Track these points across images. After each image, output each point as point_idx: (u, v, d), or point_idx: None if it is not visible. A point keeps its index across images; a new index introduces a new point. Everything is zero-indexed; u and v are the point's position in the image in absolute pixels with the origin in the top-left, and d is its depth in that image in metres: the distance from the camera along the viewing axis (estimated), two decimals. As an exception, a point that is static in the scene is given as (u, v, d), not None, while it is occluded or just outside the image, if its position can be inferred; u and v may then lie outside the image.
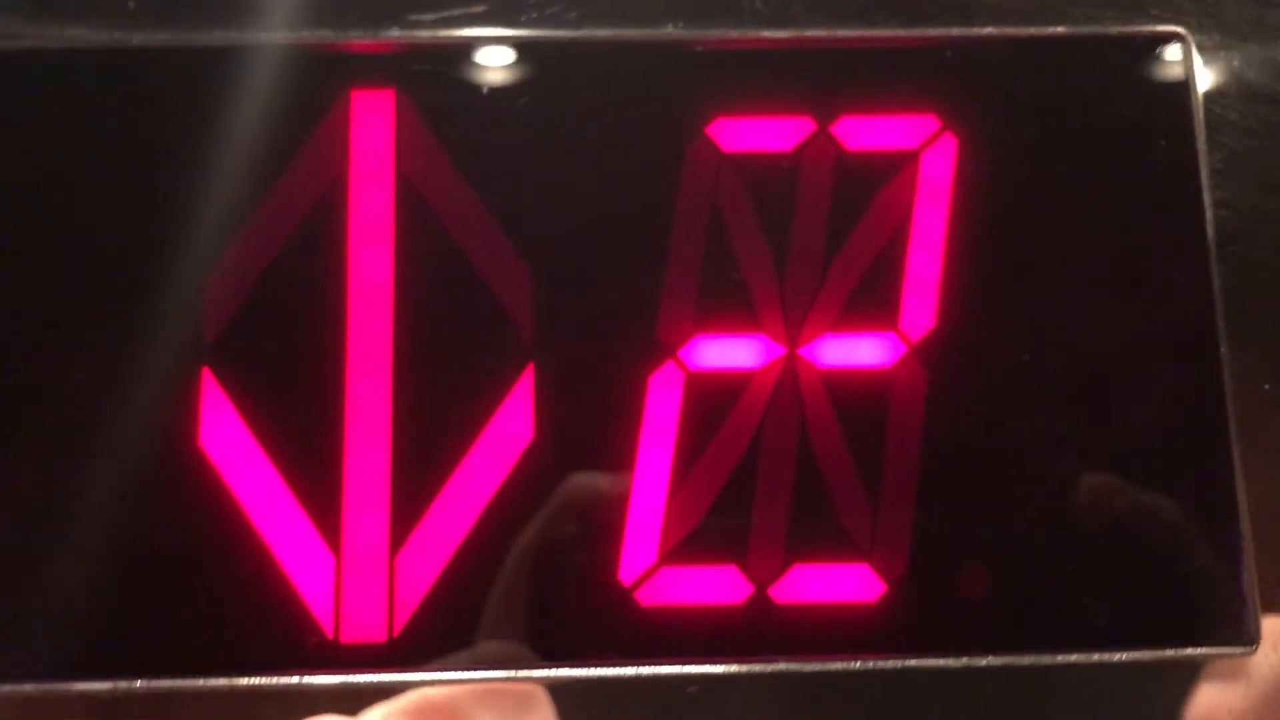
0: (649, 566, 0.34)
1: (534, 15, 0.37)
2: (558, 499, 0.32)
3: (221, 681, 0.33)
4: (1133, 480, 0.35)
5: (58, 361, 0.34)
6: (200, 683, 0.33)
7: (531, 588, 0.34)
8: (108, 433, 0.34)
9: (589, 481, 0.31)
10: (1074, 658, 0.34)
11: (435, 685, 0.33)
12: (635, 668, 0.34)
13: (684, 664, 0.34)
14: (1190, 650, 0.34)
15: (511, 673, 0.34)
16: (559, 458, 0.35)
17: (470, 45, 0.37)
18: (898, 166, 0.37)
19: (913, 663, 0.34)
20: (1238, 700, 0.30)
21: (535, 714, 0.30)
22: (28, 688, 0.33)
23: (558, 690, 0.34)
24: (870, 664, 0.34)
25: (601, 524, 0.35)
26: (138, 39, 0.36)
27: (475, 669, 0.33)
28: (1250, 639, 0.33)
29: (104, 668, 0.33)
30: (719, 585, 0.34)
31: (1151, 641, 0.34)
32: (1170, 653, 0.34)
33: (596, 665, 0.34)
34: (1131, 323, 0.36)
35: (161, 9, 0.36)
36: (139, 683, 0.33)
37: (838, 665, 0.34)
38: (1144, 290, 0.36)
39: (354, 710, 0.33)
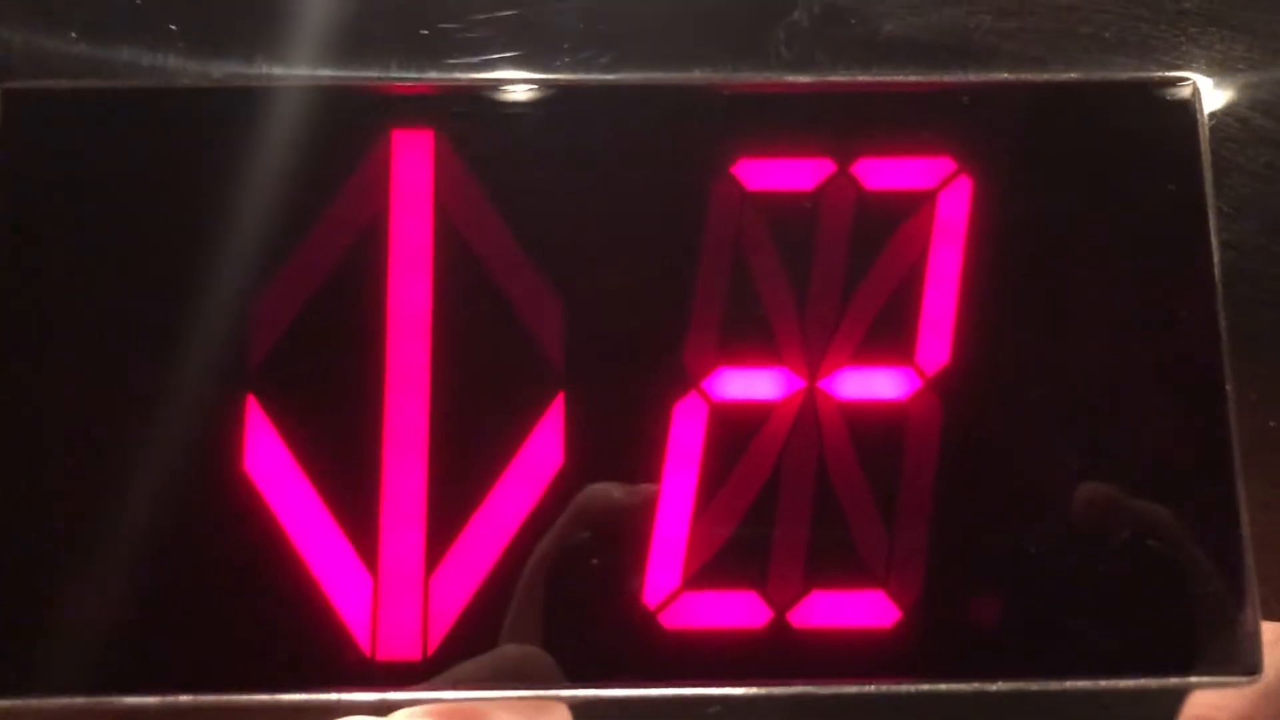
0: (672, 590, 0.36)
1: (568, 60, 0.38)
2: (574, 507, 0.33)
3: (263, 697, 0.35)
4: (1140, 512, 0.36)
5: (109, 388, 0.36)
6: (243, 698, 0.35)
7: (554, 606, 0.36)
8: (156, 456, 0.36)
9: (605, 491, 0.32)
10: (1081, 684, 0.35)
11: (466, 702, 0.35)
12: (658, 689, 0.35)
13: (705, 686, 0.35)
14: (1193, 679, 0.35)
15: (537, 691, 0.35)
16: (587, 483, 0.36)
17: (506, 88, 0.38)
18: (915, 206, 0.38)
19: (925, 687, 0.35)
20: (1234, 698, 0.31)
21: (553, 716, 0.31)
22: (79, 700, 0.34)
23: (580, 709, 0.35)
24: (885, 687, 0.35)
25: (622, 541, 0.36)
26: (187, 79, 0.38)
27: (503, 686, 0.34)
28: (1253, 668, 0.34)
29: (151, 682, 0.34)
30: (739, 610, 0.36)
31: (1155, 669, 0.35)
32: (1174, 680, 0.35)
33: (620, 686, 0.35)
34: (1140, 359, 0.37)
35: (210, 50, 0.38)
36: (185, 697, 0.34)
37: (853, 688, 0.35)
38: (1152, 327, 0.37)
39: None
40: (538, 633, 0.34)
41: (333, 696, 0.35)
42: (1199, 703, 0.35)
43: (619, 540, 0.36)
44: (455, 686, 0.35)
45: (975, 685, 0.35)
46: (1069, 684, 0.35)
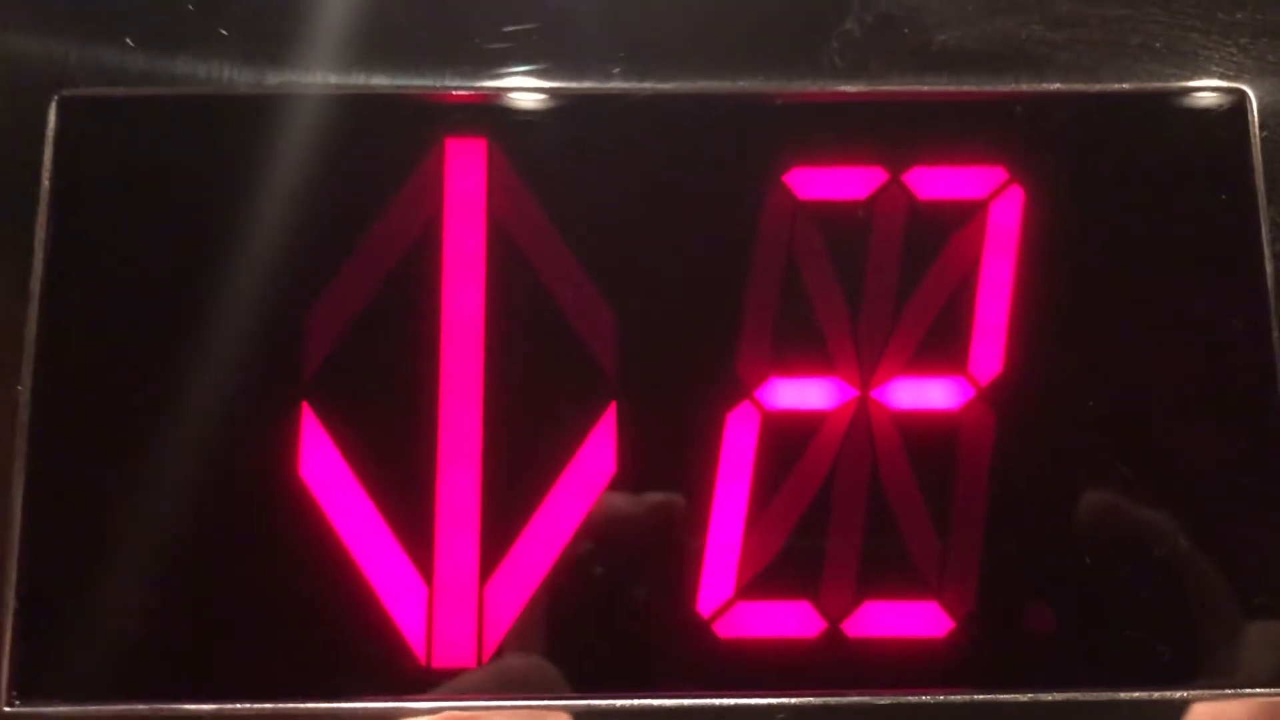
0: (726, 600, 0.36)
1: (621, 69, 0.38)
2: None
3: (321, 705, 0.35)
4: (1193, 523, 0.36)
5: (165, 395, 0.36)
6: (298, 706, 0.35)
7: (608, 616, 0.36)
8: (212, 463, 0.36)
9: (609, 502, 0.32)
10: (1135, 695, 0.35)
11: (530, 711, 0.35)
12: (713, 698, 0.35)
13: (759, 696, 0.35)
14: (1245, 690, 0.35)
15: (590, 702, 0.35)
16: (639, 493, 0.37)
17: (559, 97, 0.38)
18: (967, 216, 0.38)
19: (979, 696, 0.35)
20: (1237, 709, 0.31)
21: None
22: (140, 707, 0.34)
23: (636, 717, 0.35)
24: (939, 698, 0.35)
25: (670, 551, 0.36)
26: (243, 87, 0.38)
27: (572, 698, 0.35)
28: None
29: (208, 690, 0.35)
30: (793, 620, 0.36)
31: (1208, 680, 0.35)
32: (1227, 692, 0.35)
33: (675, 695, 0.35)
34: (1193, 369, 0.37)
35: (269, 57, 0.38)
36: (240, 705, 0.35)
37: (908, 698, 0.35)
38: (1205, 338, 0.37)
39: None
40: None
41: (389, 705, 0.35)
42: (1200, 713, 0.35)
43: (649, 551, 0.36)
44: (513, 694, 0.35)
45: (1030, 695, 0.35)
46: (1123, 695, 0.35)
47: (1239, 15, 0.39)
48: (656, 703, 0.35)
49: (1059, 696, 0.35)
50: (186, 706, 0.34)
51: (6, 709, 0.34)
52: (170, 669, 0.35)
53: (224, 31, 0.39)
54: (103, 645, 0.35)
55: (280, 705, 0.35)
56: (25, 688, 0.34)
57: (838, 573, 0.36)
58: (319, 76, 0.38)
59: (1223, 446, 0.37)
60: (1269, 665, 0.35)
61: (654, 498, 0.33)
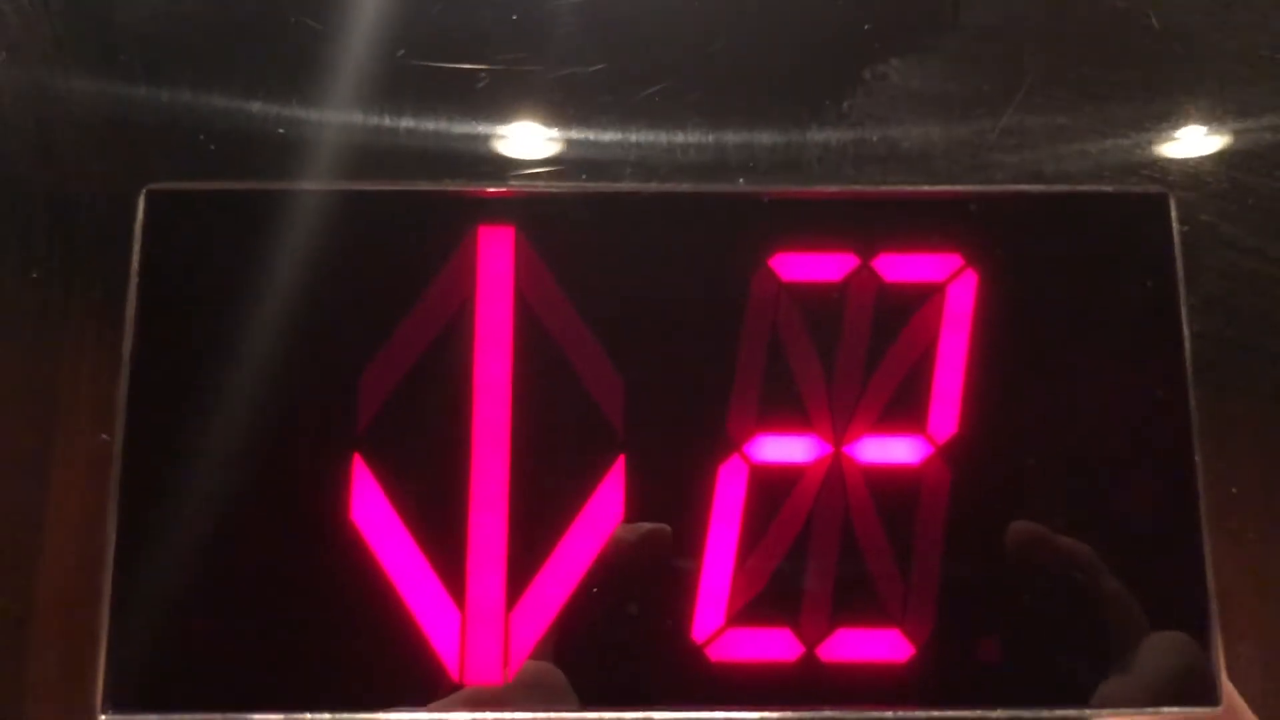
0: (717, 628, 0.42)
1: (632, 170, 0.44)
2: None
3: (367, 715, 0.40)
4: (1121, 565, 0.42)
5: (240, 449, 0.42)
6: (351, 715, 0.40)
7: (614, 641, 0.41)
8: (277, 507, 0.42)
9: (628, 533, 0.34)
10: (1069, 713, 0.41)
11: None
12: (705, 713, 0.41)
13: (746, 711, 0.41)
14: (1166, 709, 0.41)
15: (600, 714, 0.41)
16: (644, 534, 0.42)
17: (579, 193, 0.44)
18: (927, 296, 0.44)
19: (935, 714, 0.41)
20: None
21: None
22: (213, 716, 0.40)
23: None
24: (901, 714, 0.41)
25: (665, 584, 0.42)
26: (307, 183, 0.44)
27: (584, 712, 0.40)
28: (1216, 700, 0.40)
29: (271, 702, 0.40)
30: (775, 645, 0.42)
31: (1133, 701, 0.41)
32: (1149, 710, 0.41)
33: (673, 710, 0.41)
34: (1121, 432, 0.43)
35: (327, 157, 0.44)
36: (300, 715, 0.40)
37: (873, 714, 0.41)
38: (1132, 405, 0.43)
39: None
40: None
41: (426, 717, 0.40)
42: None
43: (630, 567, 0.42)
44: (536, 708, 0.40)
45: (978, 713, 0.41)
46: (1058, 712, 0.41)
47: (1163, 126, 0.46)
48: (657, 715, 0.41)
49: (1003, 714, 0.41)
50: (255, 716, 0.40)
51: (101, 717, 0.39)
52: (240, 683, 0.40)
53: (281, 131, 0.45)
54: (183, 662, 0.40)
55: (335, 714, 0.40)
56: (116, 699, 0.40)
57: (814, 604, 0.42)
58: (372, 179, 0.44)
59: (1146, 499, 0.43)
60: (1182, 689, 0.41)
61: (645, 526, 0.36)
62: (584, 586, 0.42)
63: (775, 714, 0.41)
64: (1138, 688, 0.40)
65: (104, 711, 0.40)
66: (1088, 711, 0.41)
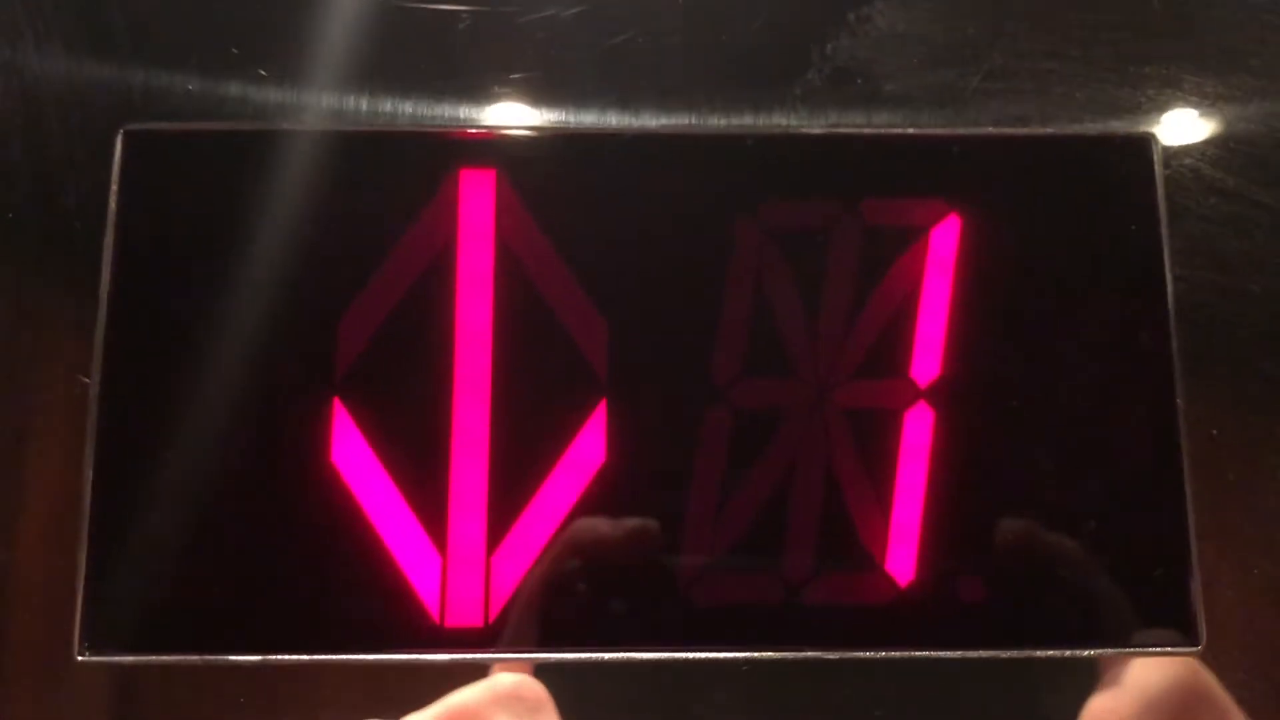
0: (701, 570, 0.42)
1: (614, 109, 0.44)
2: (565, 539, 0.34)
3: (349, 656, 0.40)
4: (1104, 507, 0.42)
5: (220, 394, 0.41)
6: (331, 658, 0.40)
7: (604, 590, 0.41)
8: (257, 450, 0.41)
9: (593, 525, 0.33)
10: (1051, 653, 0.41)
11: (530, 664, 0.40)
12: (689, 653, 0.41)
13: (729, 652, 0.41)
14: (1149, 649, 0.41)
15: (587, 655, 0.41)
16: (626, 478, 0.42)
17: (560, 134, 0.44)
18: (911, 241, 0.44)
19: (918, 654, 0.41)
20: (1125, 706, 0.33)
21: (544, 716, 0.32)
22: (195, 658, 0.40)
23: (623, 670, 0.41)
24: (884, 654, 0.41)
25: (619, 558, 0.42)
26: (286, 123, 0.43)
27: (565, 653, 0.40)
28: (1197, 640, 0.40)
29: (253, 644, 0.40)
30: (760, 588, 0.42)
31: (1116, 641, 0.41)
32: (1132, 649, 0.41)
33: (657, 651, 0.41)
34: (1104, 374, 0.43)
35: (308, 96, 0.44)
36: (280, 657, 0.40)
37: (857, 655, 0.41)
38: (1115, 348, 0.43)
39: (453, 685, 0.40)
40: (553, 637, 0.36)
41: (409, 657, 0.40)
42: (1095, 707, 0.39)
43: (596, 556, 0.41)
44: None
45: (960, 653, 0.41)
46: (1040, 653, 0.41)
47: (1147, 69, 0.45)
48: (640, 656, 0.41)
49: (987, 654, 0.41)
50: (234, 658, 0.40)
51: (79, 658, 0.39)
52: (220, 625, 0.40)
53: (263, 72, 0.44)
54: (161, 604, 0.40)
55: (313, 656, 0.40)
56: (94, 641, 0.40)
57: (798, 547, 0.42)
58: (353, 114, 0.44)
59: (1128, 441, 0.43)
60: (1164, 628, 0.41)
61: (631, 522, 0.34)
62: (564, 531, 0.41)
63: (759, 654, 0.41)
64: (1120, 628, 0.41)
65: (81, 653, 0.39)
66: (1068, 652, 0.41)
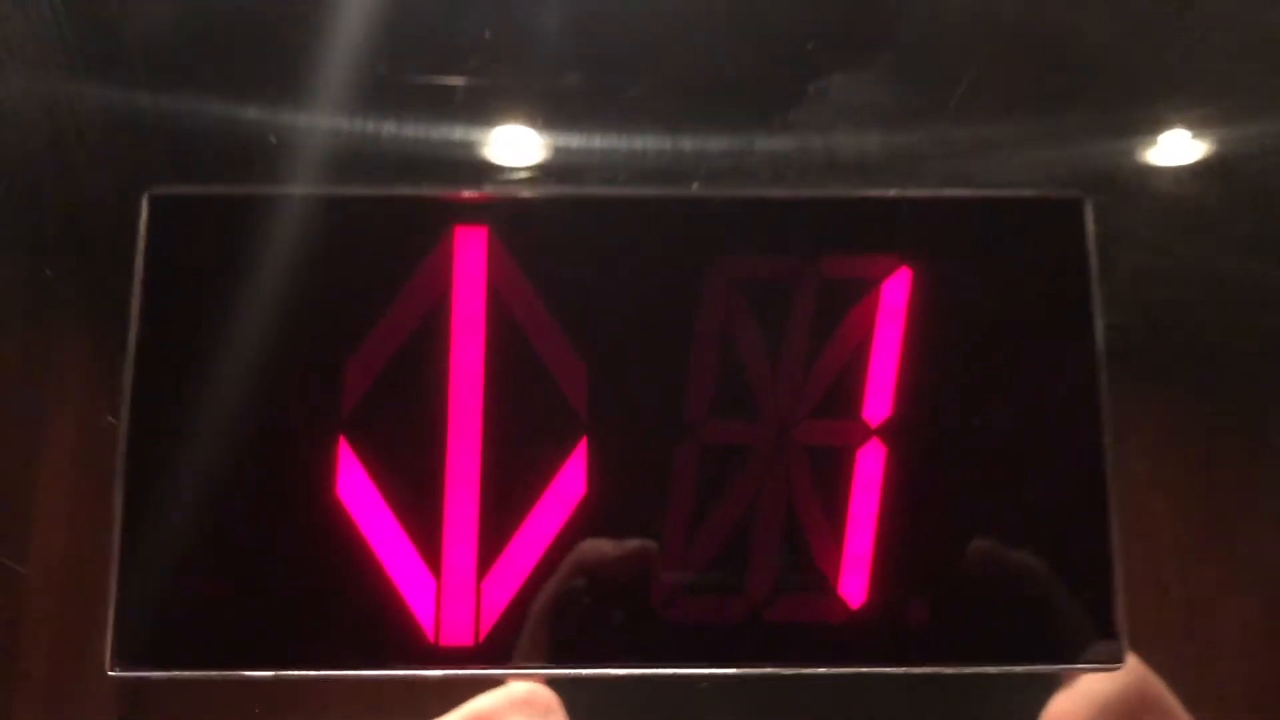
0: (673, 592, 0.46)
1: (595, 175, 0.48)
2: (571, 557, 0.36)
3: (350, 673, 0.44)
4: (1037, 534, 0.46)
5: (236, 431, 0.46)
6: (335, 674, 0.44)
7: (581, 610, 0.45)
8: (270, 484, 0.46)
9: (597, 545, 0.35)
10: (989, 669, 0.45)
11: (517, 679, 0.44)
12: (661, 669, 0.45)
13: (698, 667, 0.45)
14: (1076, 666, 0.45)
15: (567, 670, 0.45)
16: (605, 509, 0.46)
17: (547, 196, 0.48)
18: (865, 292, 0.48)
19: (868, 670, 0.45)
20: (1080, 710, 0.36)
21: (555, 718, 0.35)
22: (210, 674, 0.44)
23: (599, 685, 0.45)
24: (836, 669, 0.45)
25: (631, 560, 0.46)
26: (299, 189, 0.48)
27: (548, 668, 0.44)
28: (1118, 659, 0.45)
29: (264, 661, 0.44)
30: (726, 609, 0.46)
31: (1046, 659, 0.45)
32: (1061, 667, 0.45)
33: (630, 667, 0.45)
34: (1038, 413, 0.47)
35: (316, 164, 0.48)
36: (290, 672, 0.44)
37: (813, 671, 0.45)
38: (1048, 390, 0.47)
39: (450, 701, 0.45)
40: (549, 653, 0.38)
41: (406, 673, 0.44)
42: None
43: (602, 574, 0.46)
44: (503, 665, 0.44)
45: (906, 669, 0.45)
46: (979, 670, 0.45)
47: (1081, 136, 0.50)
48: (616, 672, 0.45)
49: (931, 670, 0.45)
50: (249, 673, 0.44)
51: (110, 673, 0.43)
52: (237, 644, 0.44)
53: (273, 140, 0.49)
54: (185, 625, 0.44)
55: (321, 672, 0.44)
56: (124, 657, 0.44)
57: (761, 571, 0.46)
58: (358, 184, 0.48)
59: (1060, 476, 0.47)
60: (1089, 648, 0.45)
61: (631, 543, 0.36)
62: (549, 557, 0.46)
63: (723, 670, 0.45)
64: (1051, 645, 0.45)
65: (113, 668, 0.43)
66: (1001, 669, 0.45)
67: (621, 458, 0.47)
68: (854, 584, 0.46)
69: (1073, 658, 0.45)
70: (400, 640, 0.45)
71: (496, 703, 0.30)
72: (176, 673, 0.44)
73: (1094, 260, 0.48)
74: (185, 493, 0.45)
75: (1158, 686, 0.27)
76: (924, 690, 0.46)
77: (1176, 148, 0.50)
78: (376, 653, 0.45)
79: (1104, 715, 0.26)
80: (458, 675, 0.45)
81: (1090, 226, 0.49)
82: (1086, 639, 0.45)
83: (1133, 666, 0.25)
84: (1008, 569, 0.46)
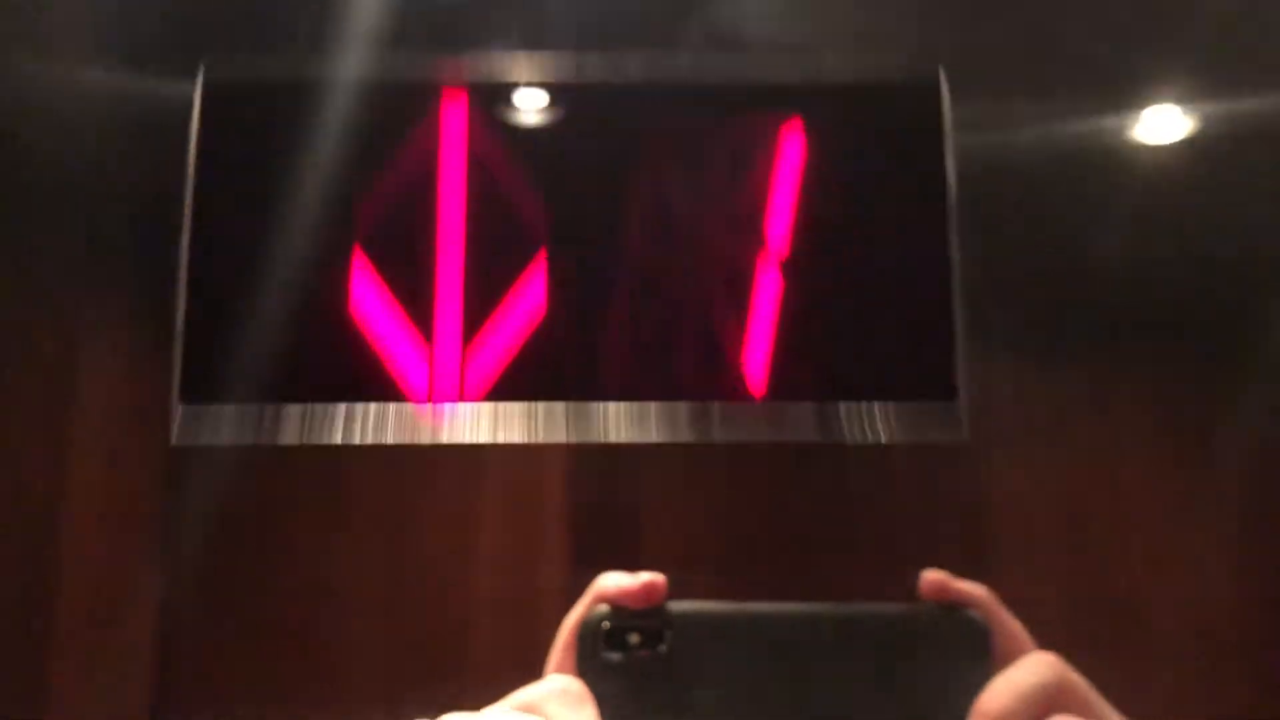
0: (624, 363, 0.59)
1: (562, 57, 0.62)
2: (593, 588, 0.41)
3: (362, 404, 0.58)
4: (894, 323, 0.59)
5: (280, 246, 0.60)
6: (355, 405, 0.58)
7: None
8: (301, 287, 0.59)
9: (617, 577, 0.41)
10: (850, 404, 0.58)
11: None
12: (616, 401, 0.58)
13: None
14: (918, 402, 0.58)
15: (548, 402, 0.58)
16: (562, 321, 0.60)
17: (515, 70, 0.63)
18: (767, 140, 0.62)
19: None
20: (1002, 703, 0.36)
21: (587, 708, 0.40)
22: (268, 406, 0.57)
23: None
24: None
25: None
26: (314, 71, 0.62)
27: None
28: (952, 393, 0.58)
29: (301, 396, 0.58)
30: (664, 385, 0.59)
31: (900, 395, 0.58)
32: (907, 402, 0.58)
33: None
34: (896, 244, 0.61)
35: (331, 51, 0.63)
36: (318, 404, 0.57)
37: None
38: (908, 234, 0.61)
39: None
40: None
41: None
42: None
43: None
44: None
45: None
46: (842, 404, 0.58)
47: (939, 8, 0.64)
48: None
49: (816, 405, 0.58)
50: (288, 406, 0.57)
51: (180, 406, 0.57)
52: (277, 379, 0.58)
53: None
54: (239, 362, 0.58)
55: (349, 403, 0.57)
56: (189, 392, 0.57)
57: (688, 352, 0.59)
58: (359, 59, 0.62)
59: (908, 283, 0.60)
60: (933, 384, 0.58)
61: (643, 576, 0.40)
62: (527, 331, 0.59)
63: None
64: (904, 386, 0.58)
65: (181, 402, 0.57)
66: (862, 404, 0.58)
67: (577, 273, 0.60)
68: (756, 373, 0.59)
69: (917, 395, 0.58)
70: (401, 390, 0.58)
71: (536, 693, 0.34)
72: (232, 406, 0.57)
73: (949, 124, 0.62)
74: (242, 277, 0.59)
75: (1074, 677, 0.31)
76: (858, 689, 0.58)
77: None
78: (383, 407, 0.58)
79: (1027, 704, 0.29)
80: (447, 430, 0.58)
81: (947, 97, 0.62)
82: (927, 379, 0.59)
83: (1052, 662, 0.29)
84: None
